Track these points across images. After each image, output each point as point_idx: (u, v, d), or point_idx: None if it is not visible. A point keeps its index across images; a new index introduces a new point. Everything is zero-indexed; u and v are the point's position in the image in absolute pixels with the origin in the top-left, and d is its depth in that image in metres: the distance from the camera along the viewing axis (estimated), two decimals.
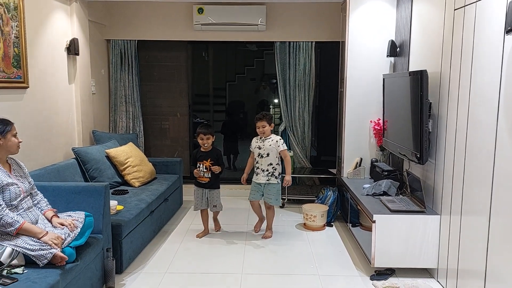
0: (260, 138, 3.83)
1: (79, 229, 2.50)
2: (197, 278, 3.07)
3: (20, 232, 2.28)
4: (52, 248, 2.26)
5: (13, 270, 2.15)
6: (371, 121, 4.22)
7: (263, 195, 3.85)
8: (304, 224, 4.22)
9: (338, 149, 4.66)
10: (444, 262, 2.89)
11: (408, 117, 3.24)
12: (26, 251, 2.22)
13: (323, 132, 5.90)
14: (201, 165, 3.78)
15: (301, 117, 5.22)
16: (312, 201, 4.52)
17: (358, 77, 4.19)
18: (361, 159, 4.26)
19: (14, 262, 2.20)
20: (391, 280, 2.99)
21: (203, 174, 3.78)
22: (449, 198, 2.82)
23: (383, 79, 3.94)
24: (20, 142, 2.46)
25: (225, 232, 4.03)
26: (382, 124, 4.08)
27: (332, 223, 4.30)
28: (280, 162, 3.83)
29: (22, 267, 2.20)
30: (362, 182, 3.95)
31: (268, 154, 3.76)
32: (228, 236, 3.91)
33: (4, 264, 2.15)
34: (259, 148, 3.79)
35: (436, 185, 3.04)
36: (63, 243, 2.35)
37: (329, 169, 5.09)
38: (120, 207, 3.33)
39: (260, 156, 3.79)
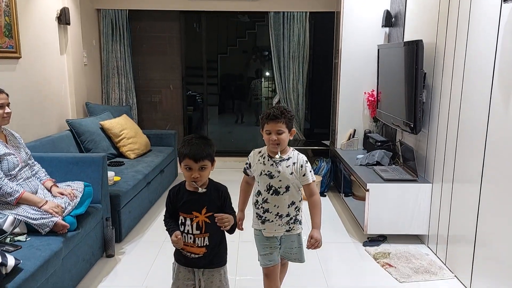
0: (268, 156, 2.02)
1: (78, 199, 2.53)
2: None
3: (20, 202, 2.30)
4: (53, 216, 2.29)
5: (16, 238, 2.19)
6: (365, 92, 4.24)
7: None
8: None
9: (331, 121, 4.69)
10: (434, 228, 2.99)
11: (403, 87, 3.27)
12: (28, 219, 2.24)
13: (316, 104, 5.92)
14: (188, 221, 1.80)
15: (295, 89, 5.22)
16: None
17: (353, 48, 4.19)
18: (355, 130, 4.31)
19: (17, 230, 2.23)
20: (383, 246, 3.10)
21: (193, 241, 1.81)
22: (441, 167, 2.89)
23: (378, 49, 3.94)
24: (7, 113, 2.39)
25: None
26: (376, 95, 4.11)
27: (325, 193, 4.38)
28: (302, 198, 2.11)
29: (25, 235, 2.23)
30: (356, 153, 4.01)
31: (287, 188, 2.01)
32: None
33: (6, 232, 2.18)
34: (270, 176, 2.00)
35: (428, 154, 3.11)
36: (63, 211, 2.38)
37: (322, 141, 5.14)
38: (117, 178, 3.36)
39: (272, 192, 2.01)
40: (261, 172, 2.01)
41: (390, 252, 2.98)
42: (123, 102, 5.16)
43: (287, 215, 2.05)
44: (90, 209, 2.68)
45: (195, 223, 1.79)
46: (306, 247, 2.04)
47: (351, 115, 4.32)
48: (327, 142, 5.04)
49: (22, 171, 2.45)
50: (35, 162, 2.65)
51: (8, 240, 2.15)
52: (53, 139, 3.52)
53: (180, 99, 5.59)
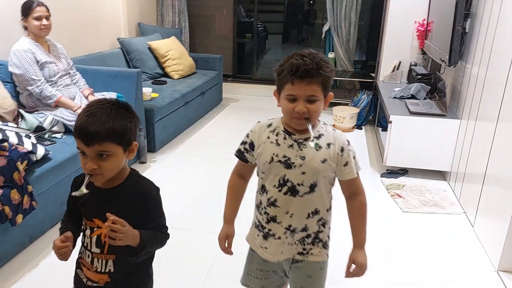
0: (285, 132, 1.24)
1: None
2: (222, 161, 3.36)
3: (58, 105, 2.64)
4: None
5: (53, 135, 2.55)
6: (415, 21, 3.97)
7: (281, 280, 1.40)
8: (333, 125, 4.30)
9: (377, 51, 4.49)
10: (457, 165, 2.91)
11: (448, 16, 3.02)
12: (64, 120, 2.58)
13: (374, 35, 5.63)
14: (88, 231, 1.16)
15: (347, 17, 4.99)
16: (346, 105, 4.53)
17: None
18: (400, 62, 4.11)
19: (55, 128, 2.58)
20: (401, 179, 3.09)
21: (91, 261, 1.16)
22: (470, 103, 2.74)
23: None
24: (44, 24, 2.59)
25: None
26: (426, 25, 3.83)
27: (362, 126, 4.34)
28: (330, 205, 1.30)
29: (61, 134, 2.59)
30: (397, 86, 3.86)
31: (313, 187, 1.23)
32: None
33: (46, 129, 2.53)
34: (287, 165, 1.21)
35: (462, 89, 2.94)
36: None
37: (371, 74, 4.97)
38: (155, 95, 3.62)
39: (287, 190, 1.23)
40: (271, 158, 1.22)
41: (405, 184, 2.98)
42: (176, 24, 5.33)
43: (304, 229, 1.26)
44: None
45: (95, 236, 1.14)
46: (345, 276, 1.29)
47: (398, 45, 4.10)
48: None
49: (62, 78, 2.76)
50: (77, 72, 2.96)
51: (46, 136, 2.51)
52: (104, 55, 3.83)
53: (232, 24, 5.62)
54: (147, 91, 3.48)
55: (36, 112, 2.62)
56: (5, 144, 1.99)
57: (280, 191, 1.23)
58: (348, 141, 1.24)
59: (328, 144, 1.22)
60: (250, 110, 4.88)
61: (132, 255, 1.10)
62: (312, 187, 1.22)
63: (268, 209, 1.27)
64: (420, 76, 3.60)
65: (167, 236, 1.19)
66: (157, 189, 1.17)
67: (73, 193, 1.10)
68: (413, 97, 3.41)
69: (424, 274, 2.07)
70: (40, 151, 2.17)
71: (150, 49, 4.32)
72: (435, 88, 3.50)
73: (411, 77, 3.90)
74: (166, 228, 1.19)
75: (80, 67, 3.11)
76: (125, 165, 1.15)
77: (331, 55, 5.01)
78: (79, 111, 2.61)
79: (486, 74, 2.47)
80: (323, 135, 1.23)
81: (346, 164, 1.23)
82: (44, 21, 2.59)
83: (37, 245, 2.18)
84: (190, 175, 3.14)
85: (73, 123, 2.57)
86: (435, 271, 2.09)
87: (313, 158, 1.20)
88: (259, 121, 1.30)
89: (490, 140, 2.31)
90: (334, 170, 1.23)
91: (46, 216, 2.25)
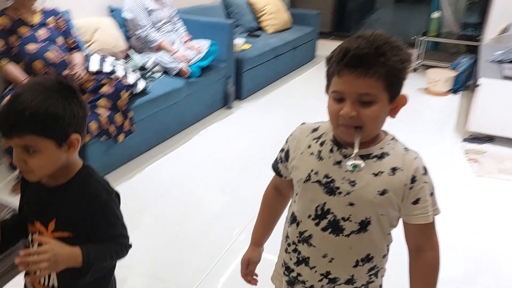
0: (335, 143, 0.89)
1: (203, 53, 3.13)
2: (302, 113, 3.53)
3: (160, 48, 3.02)
4: (180, 62, 2.96)
5: (153, 75, 2.95)
6: None
7: None
8: (426, 88, 4.14)
9: (485, 13, 4.13)
10: None
11: None
12: (162, 62, 2.97)
13: None
14: (30, 236, 0.97)
15: None
16: (445, 68, 4.29)
17: None
18: (509, 25, 3.75)
19: (156, 68, 2.98)
20: (484, 146, 2.95)
21: (35, 273, 0.87)
22: None
23: None
24: None
25: None
26: None
27: (459, 91, 4.10)
28: (388, 248, 0.95)
29: (160, 73, 2.98)
30: (501, 50, 3.56)
31: (365, 225, 0.88)
32: None
33: (148, 69, 2.95)
34: (330, 190, 0.87)
35: None
36: (189, 61, 3.03)
37: (477, 37, 4.58)
38: (246, 46, 3.86)
39: (327, 225, 0.89)
40: (308, 176, 0.91)
41: (486, 151, 2.84)
42: None
43: (349, 281, 0.94)
44: (213, 65, 3.28)
45: (36, 244, 0.93)
46: None
47: (509, 7, 3.73)
48: None
49: (165, 25, 3.14)
50: (179, 21, 3.31)
51: (148, 75, 2.93)
52: (205, 7, 4.16)
53: None
54: (239, 42, 3.73)
55: (142, 54, 3.04)
56: (114, 75, 2.41)
57: (317, 224, 0.90)
58: (425, 168, 0.86)
59: (393, 169, 0.85)
60: None
61: (77, 277, 0.89)
62: (364, 225, 0.88)
63: (299, 247, 0.94)
64: None
65: (126, 247, 0.96)
66: (110, 192, 0.95)
67: None
68: None
69: (482, 238, 2.06)
70: (140, 85, 2.57)
71: (248, 3, 4.54)
72: None
73: None
74: (125, 237, 0.96)
75: (183, 16, 3.46)
76: (75, 160, 0.93)
77: (435, 14, 4.71)
78: (177, 55, 2.98)
79: None
80: (388, 154, 0.86)
81: (417, 202, 0.85)
82: None
83: (133, 163, 2.63)
84: (269, 123, 3.37)
85: (171, 65, 2.95)
86: (494, 235, 2.07)
87: (367, 186, 0.85)
88: (303, 123, 0.99)
89: None
90: (398, 207, 0.87)
91: (143, 140, 2.69)
